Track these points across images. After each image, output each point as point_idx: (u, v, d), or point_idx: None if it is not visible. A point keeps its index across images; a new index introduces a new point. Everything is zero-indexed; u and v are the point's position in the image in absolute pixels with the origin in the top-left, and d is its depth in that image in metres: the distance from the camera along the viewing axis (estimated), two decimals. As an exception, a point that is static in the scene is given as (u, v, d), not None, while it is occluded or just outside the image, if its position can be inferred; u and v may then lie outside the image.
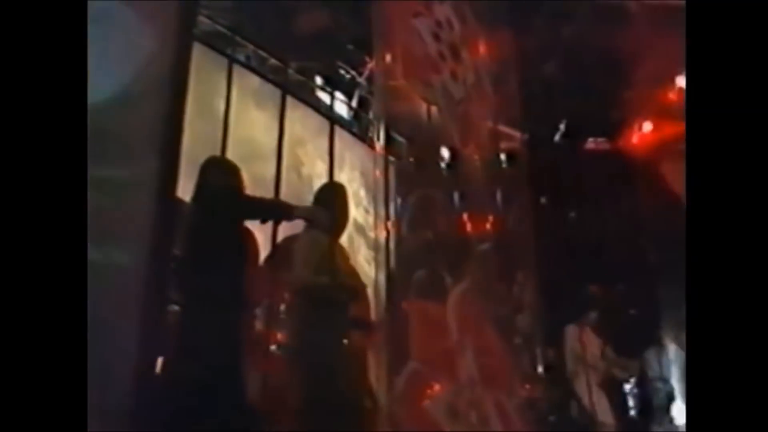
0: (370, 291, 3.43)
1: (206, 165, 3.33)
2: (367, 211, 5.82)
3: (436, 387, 2.79)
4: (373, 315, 3.47)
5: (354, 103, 6.31)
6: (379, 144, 2.84)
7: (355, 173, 6.03)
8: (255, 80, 4.88)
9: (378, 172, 2.84)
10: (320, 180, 5.80)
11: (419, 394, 2.73)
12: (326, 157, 5.81)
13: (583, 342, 4.93)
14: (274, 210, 3.44)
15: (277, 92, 5.39)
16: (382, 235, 2.73)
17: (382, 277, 2.73)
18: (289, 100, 5.48)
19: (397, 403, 2.62)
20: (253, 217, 3.32)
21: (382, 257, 2.72)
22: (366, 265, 5.78)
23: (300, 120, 5.50)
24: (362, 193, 6.05)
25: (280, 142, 2.82)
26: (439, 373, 2.85)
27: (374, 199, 2.93)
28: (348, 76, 6.21)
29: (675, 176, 5.00)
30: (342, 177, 4.26)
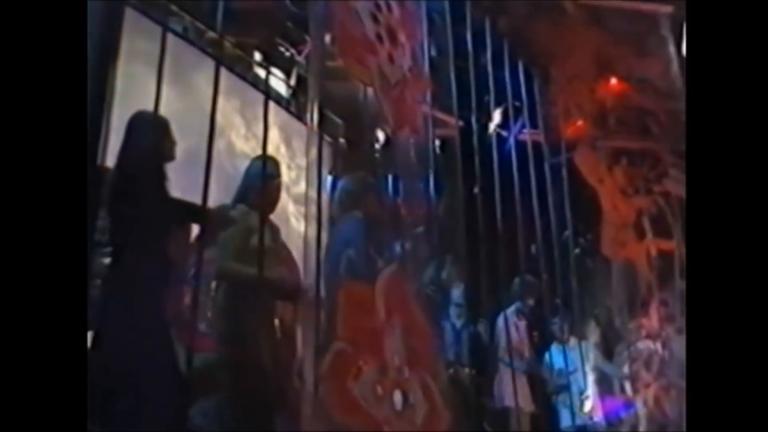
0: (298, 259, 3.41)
1: (134, 121, 3.10)
2: (289, 167, 5.79)
3: (363, 367, 2.80)
4: (301, 292, 3.47)
5: (292, 81, 6.28)
6: (313, 123, 2.83)
7: (274, 129, 5.93)
8: (142, 43, 4.13)
9: (312, 152, 2.83)
10: (241, 142, 5.76)
11: (345, 375, 2.73)
12: (242, 116, 5.73)
13: (510, 330, 5.05)
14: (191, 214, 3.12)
15: (175, 55, 5.13)
16: (313, 213, 2.72)
17: (312, 232, 2.69)
18: (193, 58, 5.12)
19: (322, 383, 2.62)
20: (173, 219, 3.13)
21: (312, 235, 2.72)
22: (294, 220, 5.78)
23: (206, 80, 4.77)
24: (282, 149, 6.00)
25: (212, 116, 2.77)
26: (366, 353, 2.86)
27: (307, 179, 2.92)
28: (287, 53, 6.17)
29: (588, 168, 5.18)
30: (259, 131, 3.86)
